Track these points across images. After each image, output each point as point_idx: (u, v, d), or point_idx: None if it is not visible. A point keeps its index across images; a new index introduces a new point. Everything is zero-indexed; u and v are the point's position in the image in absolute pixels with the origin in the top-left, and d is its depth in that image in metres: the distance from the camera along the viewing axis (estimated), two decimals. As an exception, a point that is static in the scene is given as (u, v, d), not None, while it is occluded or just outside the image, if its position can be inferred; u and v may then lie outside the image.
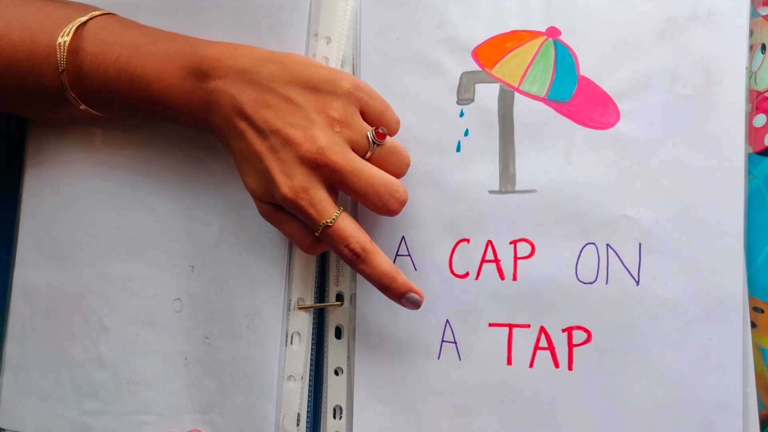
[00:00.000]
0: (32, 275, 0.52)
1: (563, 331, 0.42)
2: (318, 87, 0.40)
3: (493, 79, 0.44)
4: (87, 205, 0.51)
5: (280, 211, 0.42)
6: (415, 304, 0.42)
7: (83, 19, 0.44)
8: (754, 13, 0.42)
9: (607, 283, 0.42)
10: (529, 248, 0.43)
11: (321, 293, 0.47)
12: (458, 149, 0.44)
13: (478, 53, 0.45)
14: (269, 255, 0.46)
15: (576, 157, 0.43)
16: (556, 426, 0.42)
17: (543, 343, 0.43)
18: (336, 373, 0.46)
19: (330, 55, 0.46)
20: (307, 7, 0.47)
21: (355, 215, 0.46)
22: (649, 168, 0.41)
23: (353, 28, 0.47)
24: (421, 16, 0.45)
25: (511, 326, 0.43)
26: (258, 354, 0.46)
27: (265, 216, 0.43)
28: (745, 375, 0.40)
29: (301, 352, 0.46)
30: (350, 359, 0.46)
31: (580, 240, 0.42)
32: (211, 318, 0.48)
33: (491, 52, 0.44)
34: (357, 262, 0.41)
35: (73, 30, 0.43)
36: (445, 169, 0.44)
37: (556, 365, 0.42)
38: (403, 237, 0.45)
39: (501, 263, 0.43)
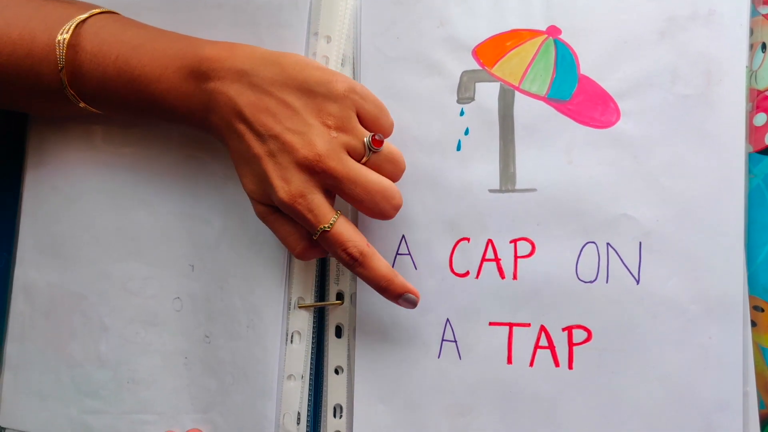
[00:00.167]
0: (32, 274, 0.52)
1: (563, 330, 0.42)
2: (314, 90, 0.40)
3: (494, 78, 0.44)
4: (87, 204, 0.51)
5: (276, 213, 0.42)
6: (412, 304, 0.43)
7: (83, 16, 0.44)
8: (754, 12, 0.42)
9: (607, 282, 0.42)
10: (529, 247, 0.43)
11: (321, 292, 0.47)
12: (458, 148, 0.44)
13: (478, 52, 0.45)
14: (269, 254, 0.46)
15: (576, 156, 0.43)
16: (556, 425, 0.42)
17: (543, 342, 0.43)
18: (336, 372, 0.46)
19: (330, 54, 0.46)
20: (307, 6, 0.47)
21: (354, 216, 0.46)
22: (649, 167, 0.41)
23: (353, 27, 0.47)
24: (422, 15, 0.45)
25: (511, 325, 0.43)
26: (258, 353, 0.46)
27: (261, 217, 0.43)
28: (745, 374, 0.40)
29: (301, 351, 0.46)
30: (350, 358, 0.46)
31: (580, 239, 0.42)
32: (211, 317, 0.48)
33: (491, 50, 0.44)
34: (355, 265, 0.41)
35: (72, 27, 0.43)
36: (445, 168, 0.44)
37: (557, 364, 0.42)
38: (403, 236, 0.45)
39: (501, 262, 0.43)
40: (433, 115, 0.45)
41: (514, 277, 0.43)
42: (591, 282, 0.42)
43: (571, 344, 0.42)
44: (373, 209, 0.41)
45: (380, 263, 0.42)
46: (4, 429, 0.52)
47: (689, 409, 0.40)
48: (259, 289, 0.47)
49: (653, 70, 0.42)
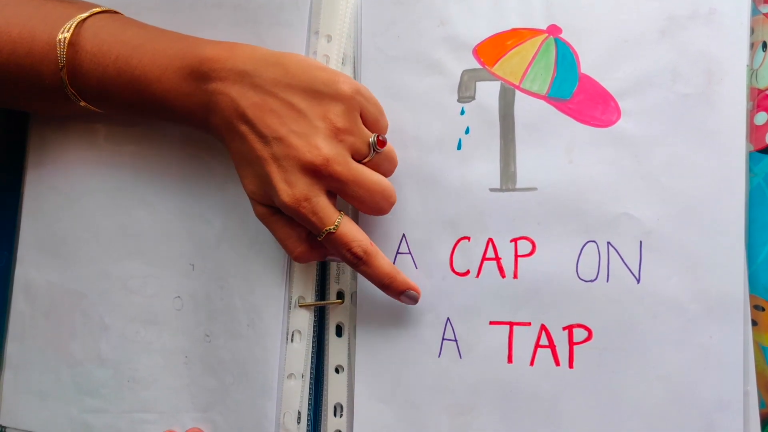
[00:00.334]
0: (33, 273, 0.52)
1: (564, 329, 0.42)
2: (319, 91, 0.40)
3: (494, 77, 0.44)
4: (88, 203, 0.51)
5: (276, 215, 0.43)
6: (413, 300, 0.44)
7: (83, 15, 0.44)
8: (755, 11, 0.41)
9: (607, 281, 0.42)
10: (529, 246, 0.43)
11: (322, 291, 0.47)
12: (459, 147, 0.44)
13: (478, 51, 0.44)
14: (270, 253, 0.46)
15: (577, 155, 0.42)
16: (556, 424, 0.42)
17: (544, 341, 0.42)
18: (337, 371, 0.46)
19: (330, 53, 0.46)
20: (307, 5, 0.47)
21: (353, 214, 0.46)
22: (649, 166, 0.41)
23: (354, 26, 0.47)
24: (422, 14, 0.45)
25: (511, 324, 0.43)
26: (258, 352, 0.46)
27: (261, 218, 0.43)
28: (745, 373, 0.40)
29: (301, 350, 0.46)
30: (351, 357, 0.46)
31: (580, 238, 0.42)
32: (211, 316, 0.48)
33: (492, 50, 0.44)
34: (359, 264, 0.42)
35: (73, 26, 0.43)
36: (445, 167, 0.44)
37: (557, 363, 0.42)
38: (403, 235, 0.45)
39: (502, 261, 0.43)
40: (434, 115, 0.45)
41: (515, 277, 0.43)
42: (591, 281, 0.42)
43: (571, 343, 0.42)
44: (372, 208, 0.42)
45: (383, 261, 0.42)
46: (5, 428, 0.52)
47: (690, 409, 0.40)
48: (259, 289, 0.47)
49: (654, 69, 0.42)
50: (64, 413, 0.50)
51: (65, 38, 0.43)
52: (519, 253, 0.43)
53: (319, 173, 0.40)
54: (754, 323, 0.40)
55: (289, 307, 0.46)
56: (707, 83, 0.41)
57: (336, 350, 0.46)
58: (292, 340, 0.46)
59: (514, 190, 0.43)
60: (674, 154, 0.41)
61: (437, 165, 0.45)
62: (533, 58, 0.44)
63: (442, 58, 0.45)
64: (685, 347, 0.40)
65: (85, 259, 0.51)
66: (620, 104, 0.42)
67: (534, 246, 0.43)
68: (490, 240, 0.44)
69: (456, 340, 0.44)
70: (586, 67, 0.43)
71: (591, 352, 0.42)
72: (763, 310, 0.41)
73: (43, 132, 0.52)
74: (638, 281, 0.41)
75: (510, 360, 0.43)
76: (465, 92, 0.45)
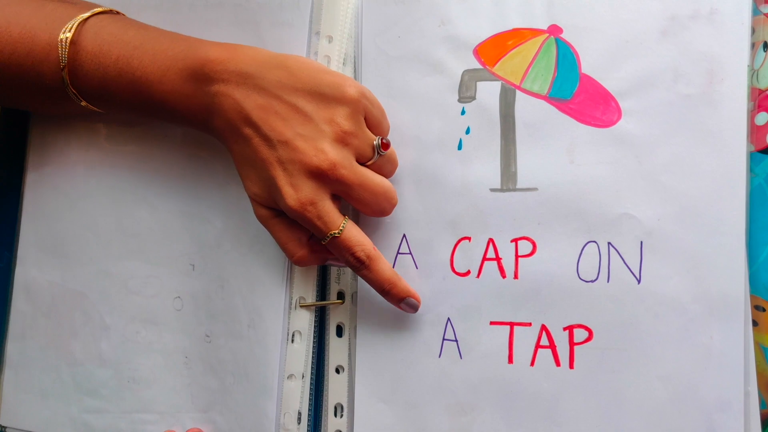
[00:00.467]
0: (34, 273, 0.52)
1: (564, 329, 0.42)
2: (325, 94, 0.40)
3: (495, 77, 0.44)
4: (88, 203, 0.51)
5: (278, 217, 0.43)
6: (413, 308, 0.44)
7: (85, 15, 0.44)
8: (756, 11, 0.41)
9: (608, 281, 0.42)
10: (530, 246, 0.43)
11: (322, 291, 0.47)
12: (460, 147, 0.44)
13: (479, 51, 0.44)
14: (270, 254, 0.46)
15: (577, 155, 0.42)
16: (557, 424, 0.42)
17: (544, 341, 0.42)
18: (337, 371, 0.46)
19: (332, 54, 0.46)
20: (308, 5, 0.47)
21: (354, 215, 0.46)
22: (650, 166, 0.41)
23: (354, 26, 0.47)
24: (423, 14, 0.45)
25: (512, 324, 0.43)
26: (259, 352, 0.46)
27: (262, 221, 0.43)
28: (746, 373, 0.40)
29: (302, 351, 0.46)
30: (351, 357, 0.46)
31: (581, 238, 0.42)
32: (211, 316, 0.48)
33: (493, 49, 0.44)
34: (361, 268, 0.42)
35: (74, 26, 0.43)
36: (446, 167, 0.44)
37: (557, 364, 0.42)
38: (404, 235, 0.45)
39: (502, 261, 0.43)
40: (434, 114, 0.45)
41: (515, 277, 0.43)
42: (592, 281, 0.42)
43: (572, 344, 0.42)
44: (375, 210, 0.43)
45: (385, 266, 0.43)
46: (5, 428, 0.52)
47: (690, 409, 0.40)
48: (260, 289, 0.47)
49: (655, 69, 0.42)
50: (64, 413, 0.50)
51: (67, 38, 0.43)
52: (519, 254, 0.43)
53: (325, 177, 0.40)
54: (755, 323, 0.40)
55: (290, 308, 0.46)
56: (708, 83, 0.41)
57: (336, 350, 0.46)
58: (292, 341, 0.46)
59: (515, 190, 0.43)
60: (675, 154, 0.41)
61: (438, 165, 0.45)
62: (534, 58, 0.44)
63: (443, 58, 0.45)
64: (686, 347, 0.40)
65: (86, 258, 0.51)
66: (621, 104, 0.42)
67: (534, 246, 0.43)
68: (491, 240, 0.44)
69: (456, 341, 0.44)
70: (587, 67, 0.43)
71: (591, 352, 0.42)
72: (764, 310, 0.41)
73: (43, 132, 0.52)
74: (639, 281, 0.41)
75: (510, 360, 0.43)
76: (466, 92, 0.45)
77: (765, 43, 0.42)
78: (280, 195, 0.40)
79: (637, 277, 0.41)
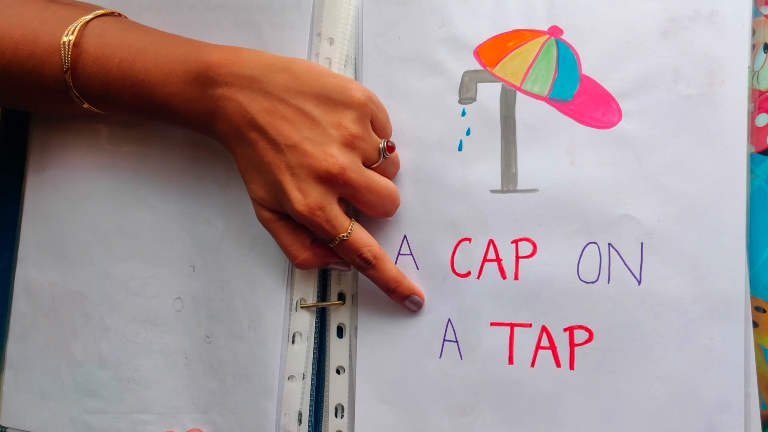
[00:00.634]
0: (34, 274, 0.52)
1: (565, 330, 0.42)
2: (332, 98, 0.40)
3: (495, 79, 0.44)
4: (89, 204, 0.51)
5: (281, 221, 0.43)
6: (417, 306, 0.44)
7: (87, 18, 0.44)
8: (756, 13, 0.41)
9: (609, 282, 0.42)
10: (530, 247, 0.43)
11: (323, 292, 0.47)
12: (460, 148, 0.44)
13: (480, 52, 0.45)
14: (271, 255, 0.46)
15: (578, 156, 0.42)
16: (557, 425, 0.42)
17: (545, 342, 0.42)
18: (338, 371, 0.46)
19: (333, 56, 0.46)
20: (309, 7, 0.47)
21: (356, 215, 0.46)
22: (651, 167, 0.41)
23: (355, 27, 0.47)
24: (423, 15, 0.45)
25: (512, 326, 0.43)
26: (259, 353, 0.46)
27: (265, 223, 0.43)
28: (747, 374, 0.39)
29: (302, 351, 0.46)
30: (352, 358, 0.46)
31: (581, 239, 0.42)
32: (212, 317, 0.48)
33: (493, 51, 0.44)
34: (368, 268, 0.43)
35: (77, 29, 0.43)
36: (447, 168, 0.44)
37: (558, 365, 0.42)
38: (405, 236, 0.45)
39: (503, 262, 0.43)
40: (435, 116, 0.45)
41: (516, 278, 0.43)
42: (592, 282, 0.42)
43: (572, 345, 0.42)
44: (380, 211, 0.43)
45: (390, 266, 0.43)
46: (6, 428, 0.52)
47: (691, 410, 0.40)
48: (260, 290, 0.47)
49: (655, 71, 0.42)
50: (64, 414, 0.50)
51: (70, 41, 0.43)
52: (520, 255, 0.43)
53: (334, 182, 0.40)
54: (755, 325, 0.40)
55: (291, 309, 0.46)
56: (709, 84, 0.41)
57: (337, 351, 0.46)
58: (293, 342, 0.46)
59: (515, 191, 0.43)
60: (675, 155, 0.41)
61: (438, 166, 0.45)
62: (534, 59, 0.44)
63: (444, 59, 0.45)
64: (686, 348, 0.40)
65: (86, 259, 0.51)
66: (621, 105, 0.42)
67: (535, 247, 0.43)
68: (491, 241, 0.44)
69: (457, 341, 0.44)
70: (588, 68, 0.43)
71: (592, 353, 0.42)
72: (764, 311, 0.41)
73: (44, 133, 0.52)
74: (639, 282, 0.41)
75: (511, 361, 0.43)
76: (466, 93, 0.45)
77: (765, 44, 0.42)
78: (288, 199, 0.40)
79: (638, 278, 0.41)
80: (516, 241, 0.43)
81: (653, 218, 0.41)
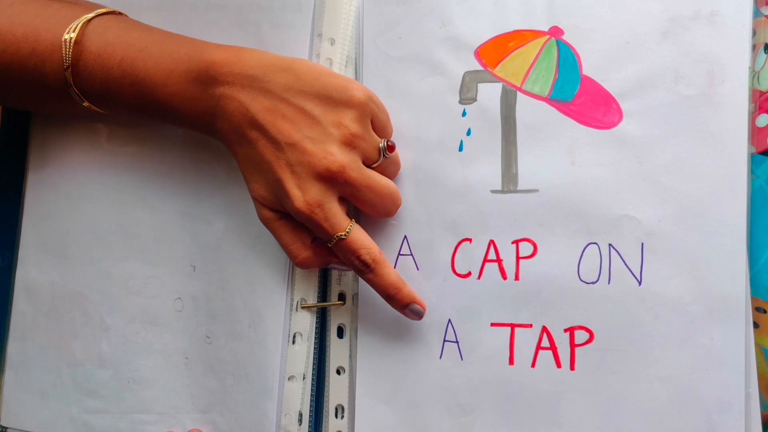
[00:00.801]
0: (34, 273, 0.52)
1: (565, 330, 0.42)
2: (333, 97, 0.41)
3: (496, 79, 0.44)
4: (89, 203, 0.51)
5: (282, 219, 0.43)
6: (418, 315, 0.44)
7: (89, 16, 0.44)
8: (757, 13, 0.41)
9: (609, 282, 0.42)
10: (531, 248, 0.43)
11: (323, 293, 0.47)
12: (461, 149, 0.44)
13: (480, 53, 0.45)
14: (272, 255, 0.46)
15: (578, 156, 0.42)
16: (558, 425, 0.42)
17: (545, 342, 0.42)
18: (338, 372, 0.46)
19: (334, 56, 0.46)
20: (310, 7, 0.47)
21: (357, 217, 0.46)
22: (651, 167, 0.41)
23: (355, 27, 0.47)
24: (424, 15, 0.45)
25: (513, 326, 0.43)
26: (260, 353, 0.46)
27: (266, 222, 0.43)
28: (747, 375, 0.39)
29: (303, 352, 0.46)
30: (352, 358, 0.46)
31: (582, 240, 0.42)
32: (212, 317, 0.48)
33: (494, 51, 0.44)
34: (366, 272, 0.42)
35: (79, 27, 0.43)
36: (447, 169, 0.44)
37: (558, 365, 0.42)
38: (405, 236, 0.45)
39: (503, 263, 0.43)
40: (435, 116, 0.45)
41: (516, 278, 0.43)
42: (593, 283, 0.42)
43: (572, 345, 0.42)
44: (381, 211, 0.43)
45: (390, 271, 0.43)
46: (6, 428, 0.52)
47: (691, 410, 0.40)
48: (260, 290, 0.47)
49: (655, 71, 0.42)
50: (64, 413, 0.50)
51: (71, 38, 0.43)
52: (520, 255, 0.43)
53: (333, 180, 0.40)
54: (756, 325, 0.40)
55: (291, 309, 0.46)
56: (709, 85, 0.41)
57: (337, 351, 0.46)
58: (293, 342, 0.46)
59: (516, 191, 0.43)
60: (676, 155, 0.41)
61: (439, 166, 0.45)
62: (535, 59, 0.44)
63: (444, 59, 0.45)
64: (687, 349, 0.40)
65: (87, 259, 0.51)
66: (622, 106, 0.42)
67: (535, 247, 0.43)
68: (492, 241, 0.44)
69: (457, 342, 0.44)
70: (588, 68, 0.43)
71: (592, 353, 0.42)
72: (765, 312, 0.41)
73: (44, 132, 0.52)
74: (640, 283, 0.41)
75: (511, 362, 0.43)
76: (466, 94, 0.45)
77: (766, 44, 0.42)
78: (288, 197, 0.40)
79: (638, 278, 0.41)
80: (516, 242, 0.43)
81: (654, 218, 0.41)
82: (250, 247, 0.47)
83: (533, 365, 0.43)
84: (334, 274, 0.47)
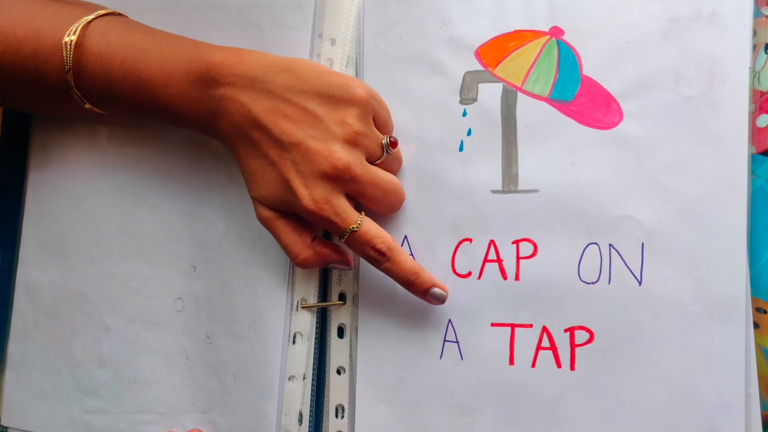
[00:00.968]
0: (35, 273, 0.52)
1: (565, 331, 0.42)
2: (334, 96, 0.41)
3: (496, 79, 0.44)
4: (90, 203, 0.51)
5: (282, 219, 0.43)
6: (440, 299, 0.43)
7: (89, 18, 0.44)
8: (757, 13, 0.42)
9: (609, 283, 0.42)
10: (531, 248, 0.43)
11: (324, 293, 0.47)
12: (461, 149, 0.44)
13: (481, 53, 0.45)
14: (272, 255, 0.46)
15: (579, 156, 0.42)
16: (558, 426, 0.42)
17: (545, 343, 0.42)
18: (338, 372, 0.46)
19: (334, 56, 0.46)
20: (311, 7, 0.47)
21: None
22: (652, 168, 0.41)
23: (356, 27, 0.47)
24: (424, 15, 0.45)
25: (513, 326, 0.43)
26: (260, 353, 0.46)
27: (266, 222, 0.43)
28: (747, 375, 0.40)
29: (303, 352, 0.46)
30: (352, 358, 0.46)
31: (582, 240, 0.42)
32: (212, 317, 0.48)
33: (494, 51, 0.44)
34: (383, 261, 0.42)
35: (79, 29, 0.43)
36: (447, 169, 0.44)
37: (558, 365, 0.42)
38: (405, 236, 0.45)
39: (503, 263, 0.43)
40: (436, 116, 0.45)
41: (516, 278, 0.43)
42: (593, 283, 0.42)
43: (573, 345, 0.42)
44: (386, 206, 0.44)
45: (406, 258, 0.43)
46: (6, 428, 0.52)
47: (691, 411, 0.40)
48: (261, 290, 0.47)
49: (656, 71, 0.42)
50: (65, 413, 0.50)
51: (71, 41, 0.43)
52: (521, 255, 0.43)
53: (339, 178, 0.40)
54: (756, 326, 0.40)
55: (291, 309, 0.46)
56: (710, 85, 0.41)
57: (338, 351, 0.46)
58: (293, 342, 0.46)
59: (516, 191, 0.43)
60: (676, 155, 0.41)
61: (439, 166, 0.45)
62: (535, 60, 0.44)
63: (445, 60, 0.45)
64: (687, 349, 0.40)
65: (87, 259, 0.51)
66: (622, 106, 0.42)
67: (536, 248, 0.43)
68: (492, 242, 0.44)
69: (457, 342, 0.44)
70: (589, 68, 0.43)
71: (592, 353, 0.42)
72: (765, 312, 0.41)
73: (45, 132, 0.52)
74: (640, 283, 0.41)
75: (511, 362, 0.43)
76: (467, 94, 0.45)
77: (766, 45, 0.42)
78: (295, 197, 0.40)
79: (638, 278, 0.41)
80: (517, 242, 0.43)
81: (654, 219, 0.41)
82: (251, 248, 0.47)
83: (533, 365, 0.43)
84: (335, 274, 0.47)
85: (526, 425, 0.42)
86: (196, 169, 0.49)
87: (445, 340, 0.44)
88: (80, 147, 0.51)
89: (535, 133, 0.43)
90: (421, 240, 0.45)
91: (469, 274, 0.44)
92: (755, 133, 0.41)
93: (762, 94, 0.42)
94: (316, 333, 0.46)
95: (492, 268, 0.44)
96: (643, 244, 0.41)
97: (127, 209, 0.50)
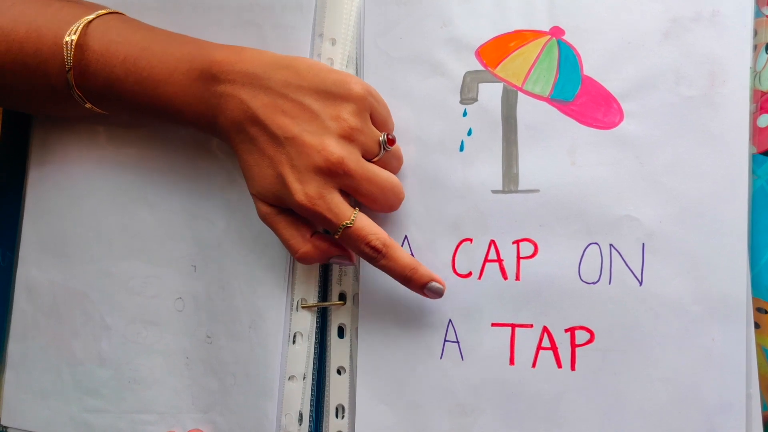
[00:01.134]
0: (35, 273, 0.52)
1: (566, 331, 0.42)
2: (331, 92, 0.41)
3: (497, 79, 0.44)
4: (90, 203, 0.51)
5: (281, 214, 0.43)
6: (438, 294, 0.43)
7: (90, 17, 0.44)
8: (758, 13, 0.42)
9: (610, 283, 0.42)
10: (531, 248, 0.43)
11: (324, 292, 0.47)
12: (461, 149, 0.44)
13: (481, 53, 0.45)
14: (272, 255, 0.46)
15: (579, 156, 0.42)
16: (558, 426, 0.42)
17: (546, 343, 0.42)
18: (338, 372, 0.46)
19: (335, 56, 0.46)
20: (311, 7, 0.47)
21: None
22: (652, 168, 0.41)
23: (356, 27, 0.47)
24: (425, 15, 0.45)
25: (513, 326, 0.43)
26: (260, 353, 0.46)
27: (265, 217, 0.43)
28: (748, 376, 0.39)
29: (303, 352, 0.46)
30: (353, 358, 0.46)
31: (583, 240, 0.42)
32: (213, 317, 0.48)
33: (495, 51, 0.44)
34: (378, 258, 0.42)
35: (80, 28, 0.43)
36: (448, 169, 0.44)
37: (559, 365, 0.42)
38: (406, 236, 0.45)
39: (504, 263, 0.43)
40: (436, 116, 0.45)
41: (517, 278, 0.43)
42: (594, 283, 0.42)
43: (573, 345, 0.42)
44: (384, 204, 0.43)
45: (402, 253, 0.42)
46: (6, 428, 0.52)
47: (692, 411, 0.40)
48: (261, 290, 0.47)
49: (657, 71, 0.42)
50: (65, 413, 0.50)
51: (72, 41, 0.43)
52: (521, 255, 0.43)
53: (332, 172, 0.40)
54: (757, 326, 0.40)
55: (291, 309, 0.46)
56: (710, 85, 0.41)
57: (338, 351, 0.46)
58: (293, 342, 0.46)
59: (517, 191, 0.43)
60: (677, 156, 0.41)
61: (439, 166, 0.45)
62: (536, 60, 0.44)
63: (445, 60, 0.45)
64: (688, 349, 0.40)
65: (87, 258, 0.51)
66: (623, 106, 0.42)
67: (536, 248, 0.43)
68: (492, 242, 0.44)
69: (458, 342, 0.44)
70: (589, 68, 0.43)
71: (593, 354, 0.42)
72: (766, 312, 0.41)
73: (45, 132, 0.53)
74: (640, 283, 0.41)
75: (512, 362, 0.43)
76: (467, 94, 0.45)
77: (767, 45, 0.42)
78: (289, 191, 0.40)
79: (639, 278, 0.41)
80: (517, 242, 0.43)
81: (654, 219, 0.41)
82: (251, 247, 0.47)
83: (534, 365, 0.43)
84: (335, 274, 0.47)
85: (526, 425, 0.42)
86: (196, 169, 0.49)
87: (445, 340, 0.44)
88: (80, 146, 0.51)
89: (535, 133, 0.43)
90: (421, 240, 0.45)
91: (470, 274, 0.44)
92: (756, 133, 0.41)
93: (763, 94, 0.41)
94: (316, 333, 0.46)
95: (492, 268, 0.44)
96: (643, 244, 0.41)
97: (128, 208, 0.50)
